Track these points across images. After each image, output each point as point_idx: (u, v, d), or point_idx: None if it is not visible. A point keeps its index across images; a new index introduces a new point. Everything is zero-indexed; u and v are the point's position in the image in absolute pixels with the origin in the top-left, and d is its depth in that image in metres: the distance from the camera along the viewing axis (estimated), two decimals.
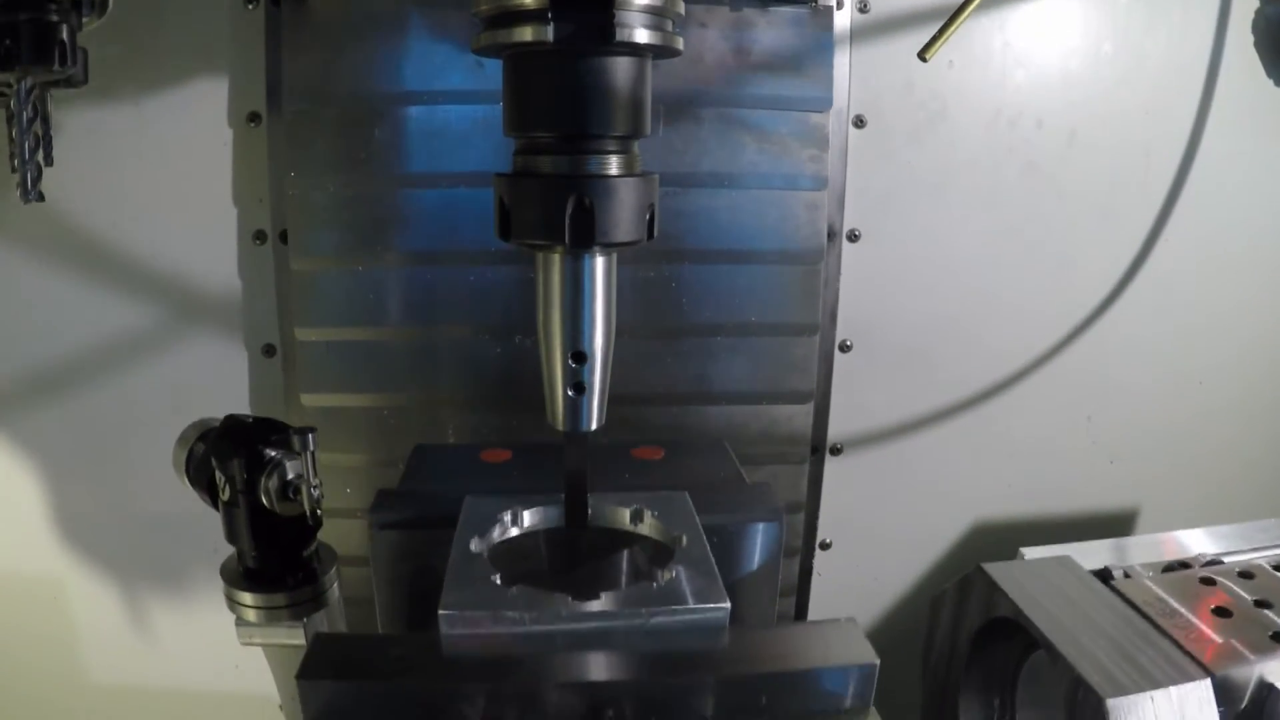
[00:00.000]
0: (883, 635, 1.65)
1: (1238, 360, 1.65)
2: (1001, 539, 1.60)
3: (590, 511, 0.95)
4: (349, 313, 1.37)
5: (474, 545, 0.87)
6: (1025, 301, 1.54)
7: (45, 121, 1.04)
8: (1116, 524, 1.66)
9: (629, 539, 0.96)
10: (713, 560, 0.85)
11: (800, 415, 1.47)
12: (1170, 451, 1.66)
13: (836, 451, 1.54)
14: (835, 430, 1.53)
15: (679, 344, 1.41)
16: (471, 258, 1.35)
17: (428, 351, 1.39)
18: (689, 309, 1.39)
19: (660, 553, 0.91)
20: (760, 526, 1.01)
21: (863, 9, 1.39)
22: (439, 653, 0.76)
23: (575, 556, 0.97)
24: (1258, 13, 1.47)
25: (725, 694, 0.74)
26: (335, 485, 1.41)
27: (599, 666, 0.75)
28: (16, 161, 0.97)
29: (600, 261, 0.87)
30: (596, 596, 0.78)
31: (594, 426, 0.90)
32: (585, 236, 0.81)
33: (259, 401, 1.44)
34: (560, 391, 0.88)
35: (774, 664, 0.75)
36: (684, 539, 0.89)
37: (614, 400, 0.92)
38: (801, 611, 1.59)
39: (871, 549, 1.61)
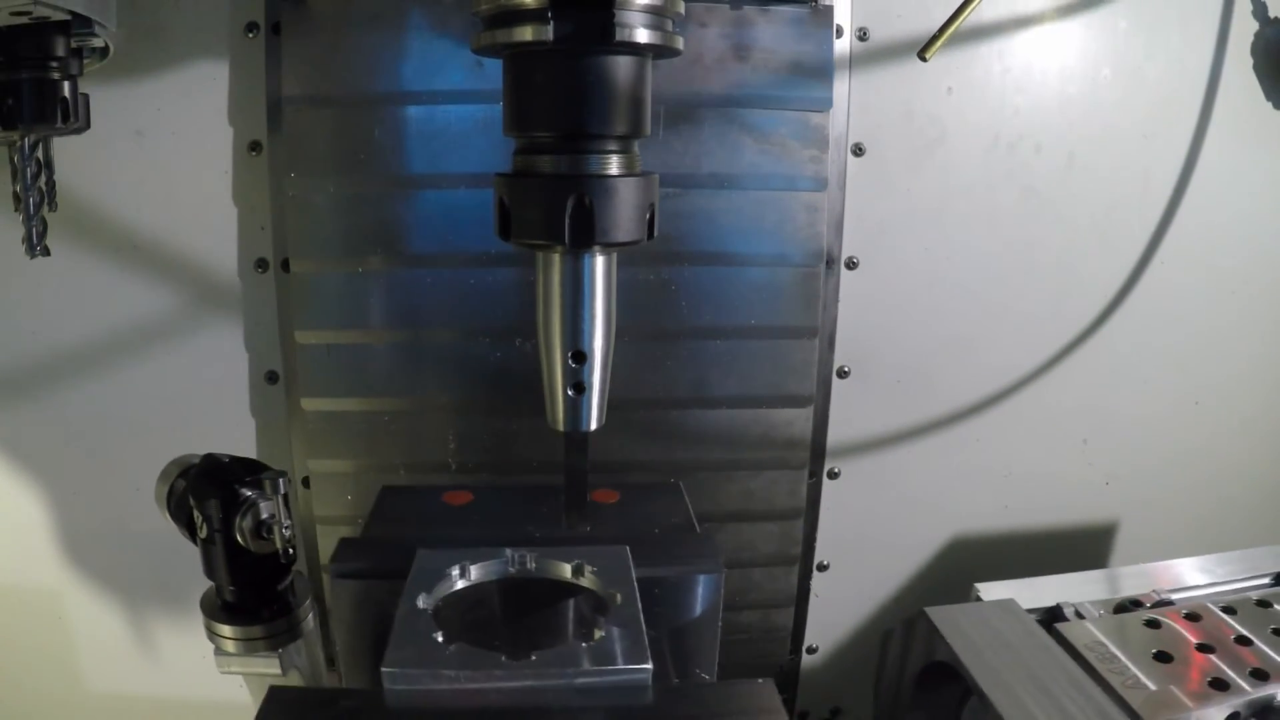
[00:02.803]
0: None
1: (1234, 382, 1.65)
2: (998, 561, 1.62)
3: (535, 564, 0.99)
4: (350, 317, 1.37)
5: (421, 601, 0.91)
6: (1023, 325, 1.54)
7: (49, 169, 1.05)
8: (1112, 546, 1.68)
9: (573, 589, 0.99)
10: (642, 621, 0.89)
11: (800, 420, 1.47)
12: (1166, 473, 1.67)
13: (834, 475, 1.55)
14: (834, 453, 1.54)
15: (678, 347, 1.41)
16: (472, 260, 1.34)
17: (428, 355, 1.39)
18: (688, 311, 1.39)
19: (602, 602, 0.94)
20: (700, 578, 1.04)
21: (862, 37, 1.38)
22: (382, 706, 0.81)
23: (522, 606, 1.00)
24: (1257, 35, 1.47)
25: None
26: (335, 492, 1.43)
27: None
28: (22, 218, 0.98)
29: (600, 261, 0.87)
30: (529, 655, 0.83)
31: (594, 427, 0.90)
32: (585, 236, 0.82)
33: (261, 414, 1.45)
34: (560, 392, 0.89)
35: None
36: (618, 597, 0.92)
37: (613, 403, 0.92)
38: (799, 632, 1.60)
39: (869, 570, 1.62)
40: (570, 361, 0.88)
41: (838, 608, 1.63)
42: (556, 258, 0.86)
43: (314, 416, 1.40)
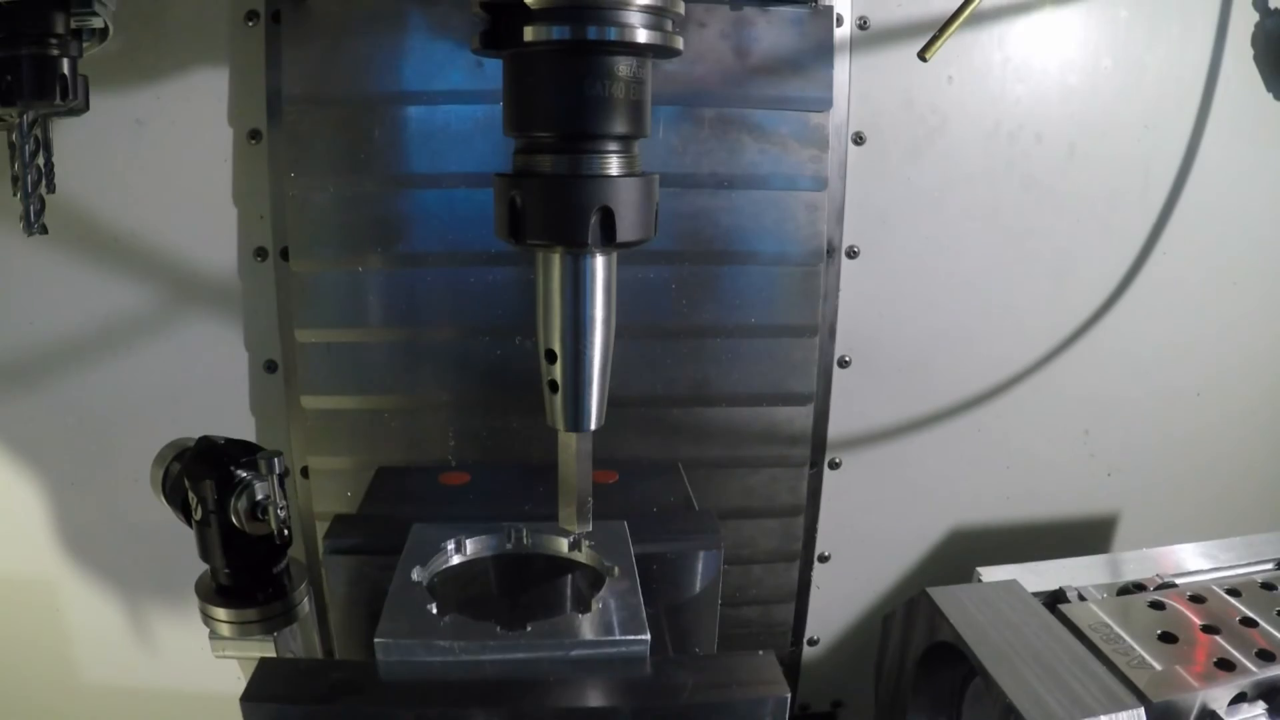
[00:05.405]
0: None
1: (1235, 373, 1.65)
2: (999, 551, 1.59)
3: (531, 539, 0.99)
4: (350, 315, 1.37)
5: (415, 574, 0.90)
6: (1024, 314, 1.54)
7: (47, 150, 1.05)
8: (1114, 536, 1.67)
9: (571, 565, 0.98)
10: (639, 593, 0.88)
11: (800, 417, 1.47)
12: (1168, 464, 1.67)
13: (835, 465, 1.55)
14: (834, 444, 1.54)
15: (678, 345, 1.41)
16: (472, 259, 1.34)
17: (428, 354, 1.39)
18: (688, 310, 1.39)
19: (599, 579, 0.93)
20: (700, 554, 1.03)
21: (862, 25, 1.38)
22: (375, 678, 0.80)
23: (519, 583, 1.00)
24: (1257, 26, 1.47)
25: None
26: (336, 489, 1.42)
27: (524, 693, 0.79)
28: (20, 196, 0.98)
29: (600, 260, 0.86)
30: (524, 627, 0.82)
31: (593, 427, 0.90)
32: (609, 236, 0.81)
33: (260, 406, 1.44)
34: (563, 391, 0.88)
35: (691, 695, 0.78)
36: (615, 570, 0.92)
37: (613, 402, 0.91)
38: (800, 624, 1.60)
39: (870, 562, 1.62)
40: (570, 361, 0.87)
41: (839, 599, 1.62)
42: (556, 258, 0.85)
43: (314, 414, 1.40)
